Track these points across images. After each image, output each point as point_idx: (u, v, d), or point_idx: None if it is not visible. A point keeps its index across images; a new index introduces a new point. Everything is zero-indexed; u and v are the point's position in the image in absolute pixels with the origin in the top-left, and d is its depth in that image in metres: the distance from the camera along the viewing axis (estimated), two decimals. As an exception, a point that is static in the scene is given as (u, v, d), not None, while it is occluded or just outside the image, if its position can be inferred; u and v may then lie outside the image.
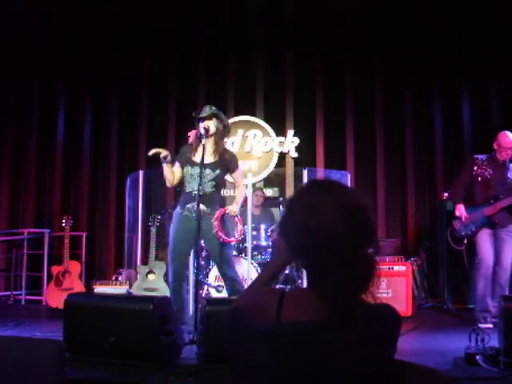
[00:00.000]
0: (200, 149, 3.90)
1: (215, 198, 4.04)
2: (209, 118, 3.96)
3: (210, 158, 3.98)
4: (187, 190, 3.99)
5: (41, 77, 7.25)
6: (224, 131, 4.08)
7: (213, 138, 4.00)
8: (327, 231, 1.14)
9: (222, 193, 4.34)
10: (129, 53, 7.15)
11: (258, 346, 1.19)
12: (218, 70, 7.21)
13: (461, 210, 4.67)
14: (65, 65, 7.17)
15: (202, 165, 3.83)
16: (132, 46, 7.03)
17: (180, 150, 4.17)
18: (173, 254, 3.99)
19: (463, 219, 4.65)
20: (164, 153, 3.90)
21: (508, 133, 4.60)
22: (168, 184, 4.08)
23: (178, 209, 4.06)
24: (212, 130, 3.97)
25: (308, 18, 6.47)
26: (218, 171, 3.98)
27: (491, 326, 4.31)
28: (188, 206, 3.94)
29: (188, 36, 6.81)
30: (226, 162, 4.05)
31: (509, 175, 4.58)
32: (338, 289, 1.14)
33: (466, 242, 4.78)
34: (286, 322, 1.17)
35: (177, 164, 4.08)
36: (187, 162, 4.00)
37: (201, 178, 3.80)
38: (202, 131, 3.93)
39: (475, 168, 4.66)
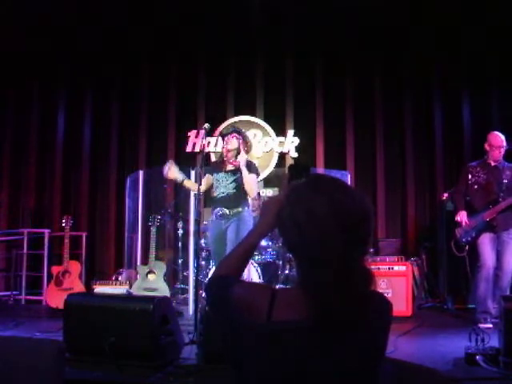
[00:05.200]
0: (225, 160, 4.45)
1: (238, 198, 4.38)
2: (229, 134, 4.45)
3: (229, 167, 4.44)
4: (215, 195, 4.46)
5: (41, 77, 7.25)
6: (242, 148, 4.45)
7: (230, 153, 4.43)
8: (318, 234, 1.13)
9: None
10: (128, 53, 7.15)
11: (247, 342, 1.19)
12: (218, 69, 7.21)
13: (462, 216, 4.73)
14: (65, 65, 7.17)
15: (203, 161, 4.15)
16: (132, 45, 7.03)
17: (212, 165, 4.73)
18: (213, 255, 4.57)
19: (463, 225, 4.70)
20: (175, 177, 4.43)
21: (497, 132, 4.76)
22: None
23: (210, 214, 4.54)
24: (233, 147, 4.41)
25: (308, 18, 6.47)
26: (237, 175, 4.38)
27: (491, 326, 4.33)
28: (215, 210, 4.38)
29: (188, 36, 6.81)
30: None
31: (504, 177, 4.64)
32: (324, 291, 1.13)
33: (467, 248, 4.81)
34: (275, 321, 1.16)
35: (206, 175, 4.52)
36: (216, 170, 4.50)
37: (201, 179, 4.03)
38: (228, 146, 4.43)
39: (470, 177, 4.78)
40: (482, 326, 4.26)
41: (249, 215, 4.37)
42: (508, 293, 4.61)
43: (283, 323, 1.15)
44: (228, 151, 4.41)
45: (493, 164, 4.72)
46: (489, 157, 4.72)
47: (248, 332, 1.19)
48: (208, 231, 4.62)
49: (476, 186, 4.73)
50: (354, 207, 1.17)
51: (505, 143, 4.68)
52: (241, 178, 4.34)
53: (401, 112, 6.95)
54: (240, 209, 4.32)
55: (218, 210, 4.35)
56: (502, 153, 4.69)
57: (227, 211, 4.32)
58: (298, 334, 1.14)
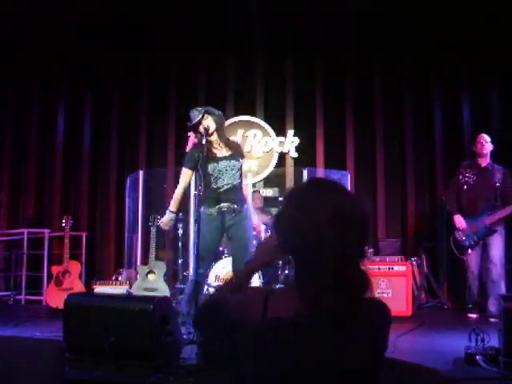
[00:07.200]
0: (214, 146, 3.93)
1: (241, 190, 4.01)
2: (202, 118, 3.92)
3: (225, 152, 3.98)
4: (217, 186, 3.90)
5: (41, 77, 7.25)
6: (221, 123, 4.04)
7: (215, 133, 3.97)
8: (317, 236, 1.13)
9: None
10: (128, 53, 7.15)
11: (243, 343, 1.19)
12: (219, 69, 7.21)
13: (460, 222, 4.79)
14: (65, 65, 7.17)
15: (205, 162, 3.83)
16: (132, 45, 7.03)
17: (190, 156, 4.02)
18: (202, 252, 3.86)
19: (464, 229, 4.76)
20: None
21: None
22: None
23: (207, 209, 3.91)
24: (212, 127, 3.94)
25: (308, 18, 6.47)
26: (240, 161, 3.99)
27: (475, 316, 4.72)
28: (222, 205, 3.87)
29: (188, 36, 6.81)
30: (239, 150, 4.09)
31: (496, 181, 4.70)
32: (323, 291, 1.13)
33: (470, 251, 4.86)
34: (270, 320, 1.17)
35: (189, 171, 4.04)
36: (209, 160, 3.88)
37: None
38: (203, 131, 3.90)
39: (460, 177, 4.92)
40: (469, 315, 4.69)
41: (248, 210, 4.04)
42: (502, 285, 4.70)
43: (278, 320, 1.16)
44: (212, 133, 3.89)
45: (483, 165, 4.80)
46: (476, 154, 4.88)
47: (244, 333, 1.19)
48: (201, 223, 3.77)
49: (465, 187, 4.83)
50: (352, 210, 1.18)
51: (487, 139, 4.85)
52: (241, 164, 3.97)
53: (401, 112, 6.95)
54: (245, 205, 3.97)
55: (224, 207, 3.88)
56: (486, 148, 4.82)
57: (235, 206, 3.89)
58: (293, 332, 1.15)
